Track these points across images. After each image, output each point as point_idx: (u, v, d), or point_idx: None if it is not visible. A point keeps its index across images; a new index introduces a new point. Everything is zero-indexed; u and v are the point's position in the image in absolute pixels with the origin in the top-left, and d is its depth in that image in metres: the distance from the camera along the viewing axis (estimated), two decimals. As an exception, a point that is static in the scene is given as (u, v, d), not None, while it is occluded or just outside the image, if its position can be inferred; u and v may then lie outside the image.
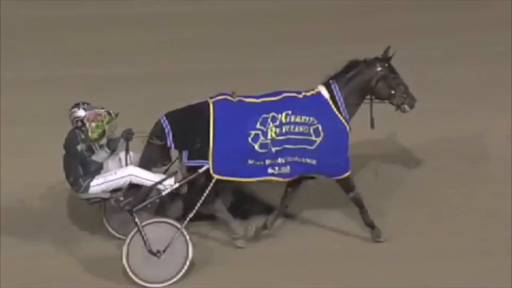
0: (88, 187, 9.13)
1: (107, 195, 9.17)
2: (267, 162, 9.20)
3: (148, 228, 8.76)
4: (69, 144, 9.12)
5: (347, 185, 9.50)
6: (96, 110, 9.07)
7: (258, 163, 9.21)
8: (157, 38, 15.62)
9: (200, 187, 9.19)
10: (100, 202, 9.38)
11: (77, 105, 9.19)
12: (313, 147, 9.32)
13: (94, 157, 9.14)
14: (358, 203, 9.55)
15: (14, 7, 16.97)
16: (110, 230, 9.82)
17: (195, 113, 9.28)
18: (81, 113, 9.09)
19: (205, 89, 10.50)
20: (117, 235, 9.75)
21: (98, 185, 9.15)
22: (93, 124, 8.97)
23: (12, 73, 14.47)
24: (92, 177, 9.10)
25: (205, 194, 9.05)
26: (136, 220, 8.79)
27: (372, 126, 9.69)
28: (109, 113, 9.05)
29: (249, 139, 9.19)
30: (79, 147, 9.03)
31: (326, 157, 9.33)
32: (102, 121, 9.00)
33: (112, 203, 9.15)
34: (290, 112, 9.30)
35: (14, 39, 15.60)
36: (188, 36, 15.66)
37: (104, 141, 9.18)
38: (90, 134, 8.98)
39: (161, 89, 13.45)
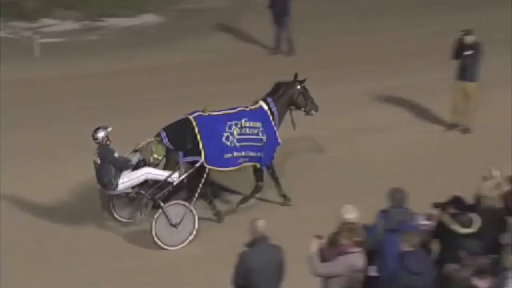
0: (117, 185, 12.80)
1: (130, 190, 13.10)
2: (235, 154, 13.34)
3: (169, 208, 12.79)
4: (106, 154, 12.74)
5: (261, 175, 13.87)
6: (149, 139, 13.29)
7: (231, 155, 13.33)
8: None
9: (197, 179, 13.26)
10: (124, 196, 13.31)
11: (98, 129, 12.85)
12: (261, 144, 13.56)
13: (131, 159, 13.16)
14: (258, 190, 13.96)
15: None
16: (117, 216, 13.49)
17: (182, 125, 13.32)
18: (102, 134, 12.81)
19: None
20: (122, 220, 13.54)
21: (123, 183, 12.86)
22: (154, 147, 13.14)
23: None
24: (119, 177, 12.79)
25: (202, 181, 13.16)
26: (162, 204, 12.78)
27: (294, 127, 14.23)
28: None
29: (223, 139, 13.22)
30: (116, 155, 12.81)
31: (266, 152, 13.63)
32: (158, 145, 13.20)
33: (147, 197, 13.02)
34: (246, 119, 13.49)
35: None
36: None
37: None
38: (155, 154, 13.21)
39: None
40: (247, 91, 16.17)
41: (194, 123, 13.10)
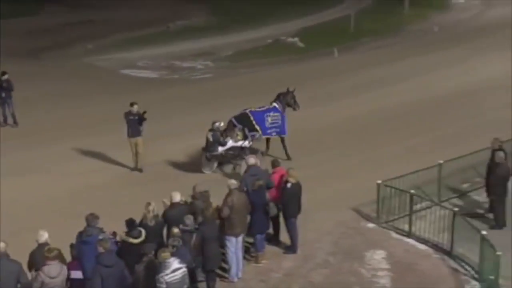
0: (217, 149, 20.82)
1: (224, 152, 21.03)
2: (271, 130, 22.08)
3: (247, 158, 18.09)
4: (216, 137, 20.73)
5: (283, 139, 22.15)
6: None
7: (269, 131, 22.05)
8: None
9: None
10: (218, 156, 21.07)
11: (216, 121, 20.99)
12: (279, 124, 22.18)
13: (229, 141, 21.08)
14: (284, 143, 22.22)
15: None
16: (204, 171, 20.89)
17: (243, 116, 21.73)
18: (217, 124, 20.91)
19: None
20: (206, 172, 20.96)
21: (221, 150, 20.95)
22: (238, 132, 21.42)
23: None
24: (217, 146, 20.80)
25: (248, 145, 21.59)
26: (244, 156, 19.93)
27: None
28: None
29: (265, 123, 21.89)
30: (217, 136, 20.77)
31: (282, 129, 22.27)
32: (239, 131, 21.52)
33: (230, 155, 21.19)
34: (272, 113, 22.14)
35: None
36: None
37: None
38: (238, 136, 21.36)
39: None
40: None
41: (250, 115, 21.66)
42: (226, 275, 15.26)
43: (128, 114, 20.95)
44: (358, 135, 24.32)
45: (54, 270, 12.59)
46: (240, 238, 15.32)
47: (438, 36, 44.24)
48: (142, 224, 14.38)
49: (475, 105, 27.47)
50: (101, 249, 12.94)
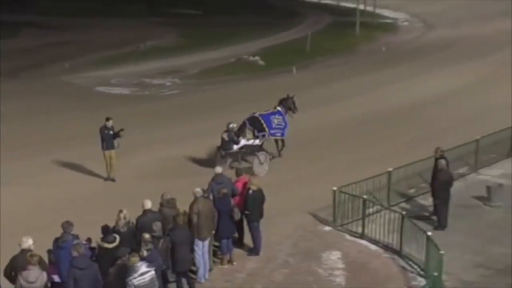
0: (232, 148, 21.74)
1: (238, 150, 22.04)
2: (276, 131, 23.01)
3: (259, 154, 22.00)
4: (231, 136, 21.61)
5: (283, 140, 23.30)
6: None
7: (274, 131, 23.01)
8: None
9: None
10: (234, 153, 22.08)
11: (231, 122, 21.82)
12: (283, 126, 23.23)
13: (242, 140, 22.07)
14: (283, 146, 23.47)
15: None
16: (221, 166, 18.58)
17: (253, 118, 22.80)
18: (231, 125, 21.80)
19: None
20: (223, 166, 19.56)
21: (235, 148, 21.92)
22: (248, 132, 22.32)
23: None
24: (232, 144, 21.80)
25: (260, 143, 22.80)
26: (256, 153, 22.07)
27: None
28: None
29: (272, 124, 22.96)
30: (232, 135, 21.81)
31: (284, 131, 23.27)
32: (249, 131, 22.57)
33: (242, 152, 22.25)
34: (277, 116, 23.28)
35: None
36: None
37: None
38: (248, 135, 22.31)
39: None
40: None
41: (259, 117, 22.84)
42: (194, 277, 15.26)
43: (103, 128, 20.93)
44: (316, 146, 24.52)
45: (33, 275, 12.49)
46: (206, 242, 15.30)
47: (386, 55, 44.69)
48: (114, 230, 14.38)
49: (420, 118, 27.90)
50: (75, 253, 12.91)
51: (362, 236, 17.36)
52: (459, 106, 29.34)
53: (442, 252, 14.57)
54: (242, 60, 42.42)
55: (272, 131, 22.93)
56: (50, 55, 43.42)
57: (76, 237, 13.80)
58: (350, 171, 20.22)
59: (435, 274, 14.35)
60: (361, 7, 57.97)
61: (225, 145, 21.86)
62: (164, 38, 50.87)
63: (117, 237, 14.04)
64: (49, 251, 13.77)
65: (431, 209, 18.51)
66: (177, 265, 14.62)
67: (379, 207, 17.78)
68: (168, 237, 14.52)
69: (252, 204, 16.24)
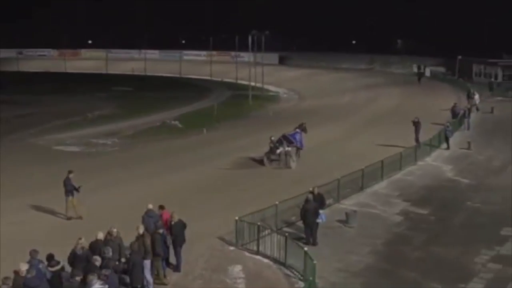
0: (276, 153, 27.21)
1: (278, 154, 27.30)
2: (299, 144, 27.85)
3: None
4: (274, 145, 27.08)
5: (299, 151, 27.73)
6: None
7: (297, 143, 27.77)
8: None
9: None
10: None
11: (272, 136, 27.71)
12: (300, 142, 27.90)
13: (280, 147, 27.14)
14: (299, 153, 27.83)
15: None
16: (269, 164, 27.12)
17: (284, 137, 27.65)
18: (273, 138, 27.59)
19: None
20: (270, 165, 27.14)
21: (277, 152, 27.10)
22: (285, 143, 27.14)
23: None
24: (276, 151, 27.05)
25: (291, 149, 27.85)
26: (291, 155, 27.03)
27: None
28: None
29: (296, 139, 27.83)
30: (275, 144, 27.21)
31: (302, 143, 27.97)
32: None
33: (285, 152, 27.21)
34: (298, 134, 28.03)
35: None
36: None
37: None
38: (283, 146, 27.09)
39: None
40: None
41: (288, 136, 27.68)
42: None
43: (66, 179, 20.40)
44: (224, 185, 24.49)
45: None
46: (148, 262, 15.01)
47: (273, 119, 45.34)
48: (72, 252, 14.02)
49: (298, 164, 28.08)
50: (28, 276, 12.58)
51: (257, 252, 17.39)
52: (326, 154, 29.87)
53: (315, 262, 14.81)
54: (165, 124, 42.19)
55: (297, 143, 27.78)
56: (20, 124, 42.41)
57: (41, 261, 13.37)
58: (249, 204, 20.28)
59: (311, 278, 14.56)
60: (253, 84, 58.84)
61: (271, 151, 27.35)
62: (106, 109, 50.52)
63: (60, 262, 13.56)
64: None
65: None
66: (134, 281, 14.38)
67: (269, 230, 17.87)
68: (127, 259, 14.33)
69: (176, 233, 16.10)
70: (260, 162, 27.86)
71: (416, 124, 31.15)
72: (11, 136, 37.74)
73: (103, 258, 13.79)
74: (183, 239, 16.24)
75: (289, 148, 27.34)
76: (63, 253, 14.27)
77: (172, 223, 16.14)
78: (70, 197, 20.30)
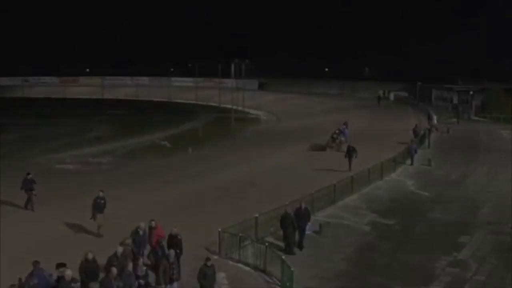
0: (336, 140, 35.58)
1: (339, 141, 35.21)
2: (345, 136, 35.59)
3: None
4: (337, 135, 35.51)
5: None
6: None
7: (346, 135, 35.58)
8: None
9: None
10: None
11: (338, 128, 36.53)
12: (347, 134, 35.46)
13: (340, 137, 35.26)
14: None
15: None
16: (333, 147, 35.05)
17: (339, 130, 36.36)
18: (337, 130, 36.44)
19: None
20: (330, 149, 34.71)
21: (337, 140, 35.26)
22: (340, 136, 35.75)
23: None
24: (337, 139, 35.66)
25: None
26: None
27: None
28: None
29: (345, 134, 35.73)
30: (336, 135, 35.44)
31: (347, 136, 35.22)
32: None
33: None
34: (347, 130, 36.35)
35: None
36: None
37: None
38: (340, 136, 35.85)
39: None
40: None
41: (342, 130, 35.94)
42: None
43: (97, 198, 19.51)
44: (210, 200, 24.15)
45: None
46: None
47: (254, 138, 45.41)
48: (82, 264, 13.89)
49: (274, 180, 27.91)
50: (31, 283, 12.55)
51: (239, 261, 17.26)
52: (299, 171, 29.80)
53: (292, 269, 14.76)
54: (155, 143, 42.19)
55: (346, 136, 34.99)
56: (25, 144, 42.27)
57: (43, 270, 13.13)
58: (231, 216, 20.16)
59: (288, 284, 14.51)
60: (235, 107, 58.95)
61: (332, 139, 35.09)
62: (102, 131, 50.43)
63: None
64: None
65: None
66: None
67: (250, 241, 17.75)
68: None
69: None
70: (242, 179, 27.79)
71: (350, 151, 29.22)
72: (19, 155, 37.56)
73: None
74: (180, 251, 16.08)
75: (343, 138, 34.99)
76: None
77: (179, 237, 15.95)
78: (100, 214, 19.30)
